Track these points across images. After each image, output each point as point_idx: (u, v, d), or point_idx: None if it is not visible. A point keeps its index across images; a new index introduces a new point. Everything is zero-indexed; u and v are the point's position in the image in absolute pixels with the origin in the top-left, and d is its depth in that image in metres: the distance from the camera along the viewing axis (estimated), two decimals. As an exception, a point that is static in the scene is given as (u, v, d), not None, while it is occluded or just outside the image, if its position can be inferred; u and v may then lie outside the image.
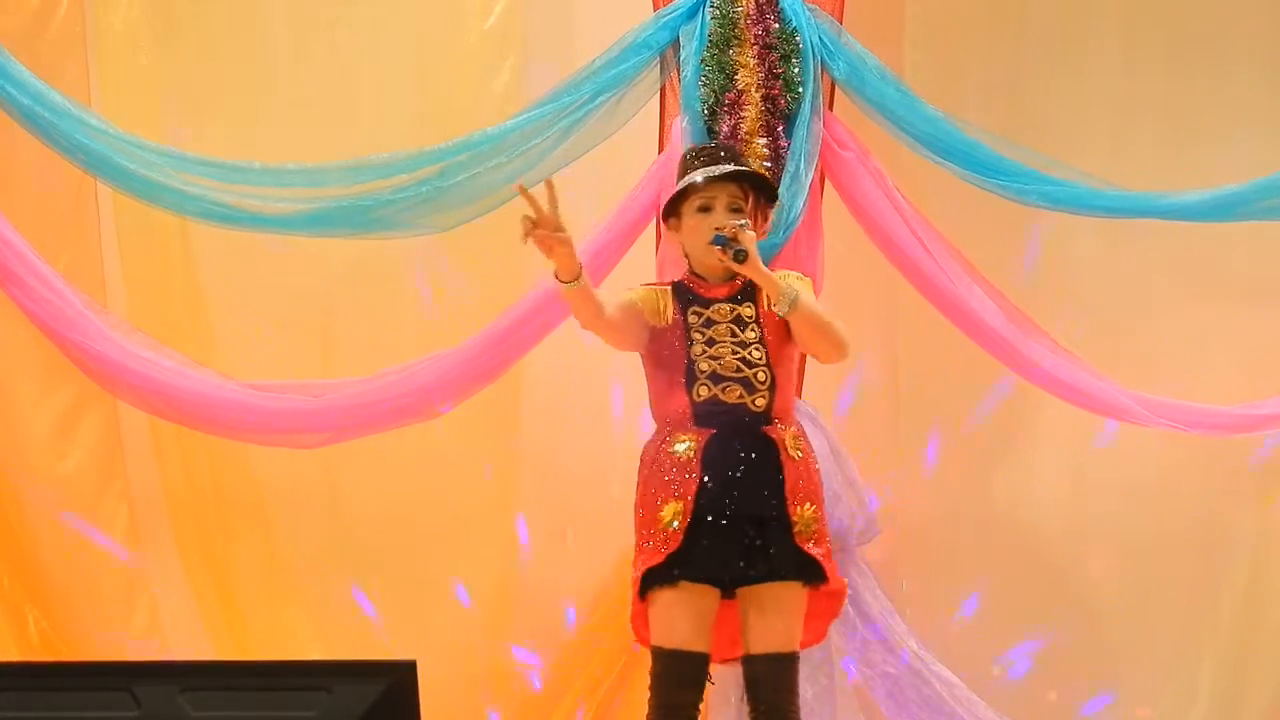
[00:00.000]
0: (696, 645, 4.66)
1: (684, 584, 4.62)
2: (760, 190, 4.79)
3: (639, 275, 5.32)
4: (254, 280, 6.07)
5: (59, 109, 5.54)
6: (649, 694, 4.74)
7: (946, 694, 5.61)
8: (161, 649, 5.97)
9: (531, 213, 4.52)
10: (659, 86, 5.67)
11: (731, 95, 5.51)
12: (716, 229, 4.65)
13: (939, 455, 6.14)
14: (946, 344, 5.77)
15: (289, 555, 6.07)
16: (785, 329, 4.74)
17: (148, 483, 6.06)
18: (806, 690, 5.40)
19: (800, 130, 5.49)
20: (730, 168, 4.76)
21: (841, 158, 5.57)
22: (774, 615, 4.67)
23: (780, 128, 5.50)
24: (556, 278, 4.60)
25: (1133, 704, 6.10)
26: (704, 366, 4.68)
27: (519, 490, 6.11)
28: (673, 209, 4.81)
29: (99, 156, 5.55)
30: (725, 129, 5.48)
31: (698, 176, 4.72)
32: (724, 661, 4.91)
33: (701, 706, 5.27)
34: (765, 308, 4.74)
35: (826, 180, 5.60)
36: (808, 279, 4.87)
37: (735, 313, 4.72)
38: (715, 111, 5.51)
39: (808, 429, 5.03)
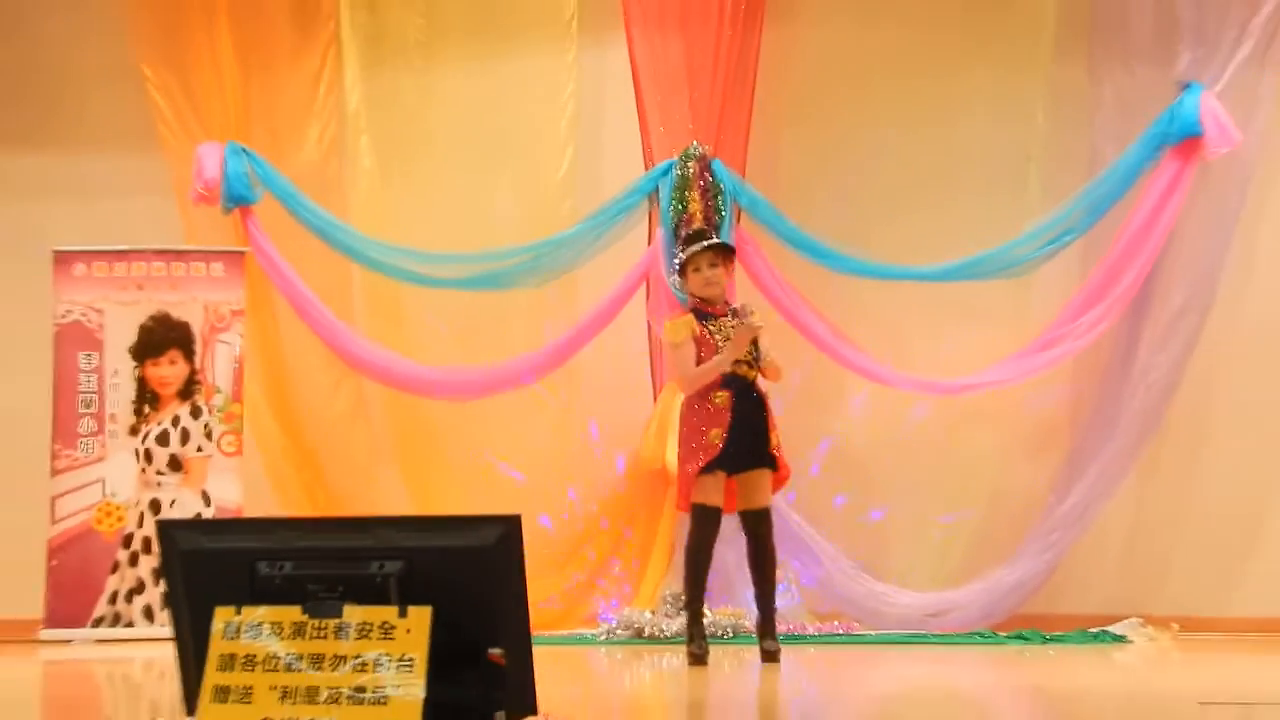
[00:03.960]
0: (721, 503, 8.14)
1: (718, 472, 8.21)
2: (725, 252, 8.50)
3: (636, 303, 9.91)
4: (434, 309, 10.45)
5: (328, 222, 10.11)
6: (688, 536, 8.15)
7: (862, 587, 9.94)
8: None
9: None
10: (649, 210, 10.08)
11: (687, 215, 9.85)
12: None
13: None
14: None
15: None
16: None
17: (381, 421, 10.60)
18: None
19: (724, 235, 9.75)
20: (702, 245, 8.44)
21: (745, 250, 9.86)
22: (759, 488, 8.14)
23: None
24: None
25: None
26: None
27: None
28: (681, 271, 8.53)
29: (353, 250, 10.19)
30: (683, 235, 9.61)
31: (695, 248, 8.55)
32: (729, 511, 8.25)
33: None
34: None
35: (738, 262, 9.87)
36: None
37: (733, 323, 8.42)
38: (677, 224, 9.82)
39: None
